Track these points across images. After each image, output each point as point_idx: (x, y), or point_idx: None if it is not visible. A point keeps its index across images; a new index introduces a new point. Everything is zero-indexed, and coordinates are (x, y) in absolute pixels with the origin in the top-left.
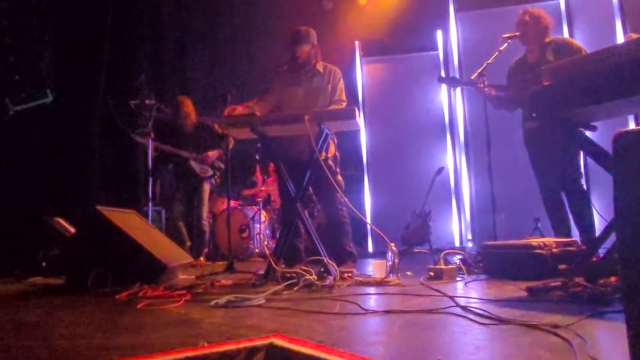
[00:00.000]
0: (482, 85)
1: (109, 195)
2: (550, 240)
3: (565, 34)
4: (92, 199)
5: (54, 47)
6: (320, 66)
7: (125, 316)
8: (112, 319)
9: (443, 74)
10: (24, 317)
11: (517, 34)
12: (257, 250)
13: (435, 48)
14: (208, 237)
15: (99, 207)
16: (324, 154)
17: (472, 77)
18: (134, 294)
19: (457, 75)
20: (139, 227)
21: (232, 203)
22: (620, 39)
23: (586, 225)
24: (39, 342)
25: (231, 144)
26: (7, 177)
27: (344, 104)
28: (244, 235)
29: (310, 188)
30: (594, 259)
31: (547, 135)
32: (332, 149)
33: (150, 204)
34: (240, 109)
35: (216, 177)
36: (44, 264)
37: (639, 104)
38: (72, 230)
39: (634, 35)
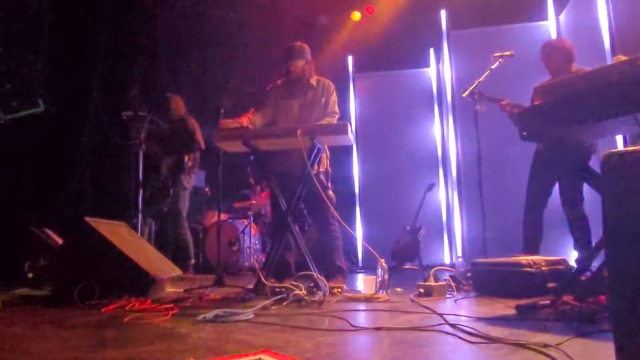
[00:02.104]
0: (504, 103)
1: (98, 206)
2: (539, 258)
3: None
4: (81, 210)
5: (47, 57)
6: (314, 80)
7: (111, 330)
8: (99, 332)
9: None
10: (7, 329)
11: (511, 53)
12: (246, 264)
13: (427, 65)
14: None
15: (87, 219)
16: (315, 167)
17: (464, 95)
18: (121, 307)
19: (450, 93)
20: (127, 239)
21: (223, 216)
22: (608, 60)
23: (582, 247)
24: (23, 356)
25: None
26: None
27: (337, 116)
28: (234, 248)
29: (301, 202)
30: (583, 278)
31: (552, 161)
32: (325, 163)
33: (140, 216)
34: (236, 122)
35: (207, 189)
36: (30, 275)
37: (628, 124)
38: (60, 241)
39: (623, 57)
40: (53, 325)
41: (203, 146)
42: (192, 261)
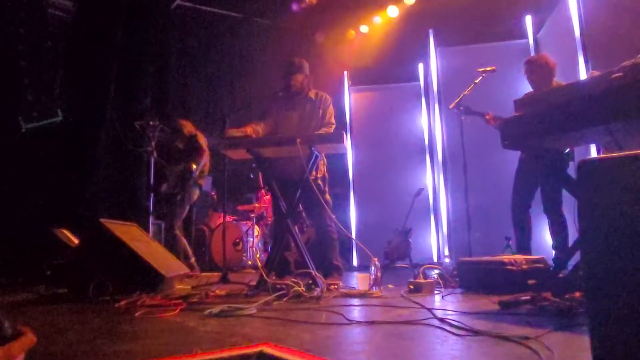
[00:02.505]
0: (489, 117)
1: (112, 208)
2: (520, 257)
3: None
4: (96, 212)
5: (65, 71)
6: (312, 93)
7: (123, 324)
8: (111, 326)
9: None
10: (26, 323)
11: (493, 68)
12: (249, 262)
13: (416, 79)
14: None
15: (102, 220)
16: (314, 173)
17: (450, 107)
18: (133, 303)
19: (437, 104)
20: (139, 239)
21: (228, 218)
22: (583, 74)
23: (560, 247)
24: (39, 347)
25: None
26: (17, 190)
27: (333, 126)
28: (238, 248)
29: (300, 205)
30: (561, 276)
31: (534, 168)
32: (323, 169)
33: (151, 217)
34: (240, 130)
35: (213, 193)
36: (48, 273)
37: (600, 133)
38: (76, 241)
39: (596, 73)
40: (68, 319)
41: (202, 159)
42: (193, 259)
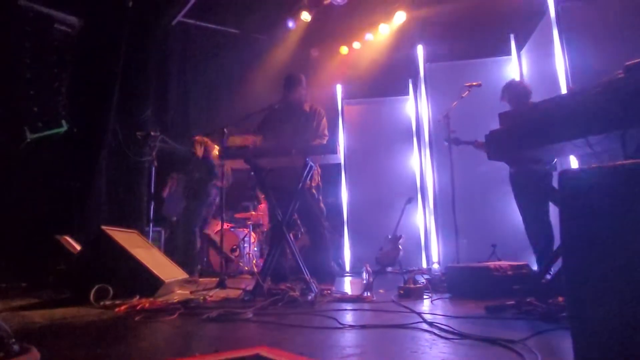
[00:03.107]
0: (477, 144)
1: (114, 215)
2: (505, 263)
3: None
4: (99, 219)
5: (70, 83)
6: (307, 106)
7: (123, 327)
8: (112, 329)
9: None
10: (29, 326)
11: (479, 83)
12: (246, 268)
13: (406, 93)
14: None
15: (103, 227)
16: (308, 182)
17: (438, 120)
18: (133, 307)
19: (428, 117)
20: (140, 245)
21: (225, 225)
22: (563, 89)
23: (545, 255)
24: (41, 349)
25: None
26: (22, 197)
27: (326, 138)
28: (235, 254)
29: (295, 213)
30: (544, 281)
31: (523, 179)
32: (317, 179)
33: (151, 224)
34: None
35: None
36: (51, 278)
37: (580, 146)
38: (78, 248)
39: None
40: (70, 324)
41: (216, 182)
42: (199, 267)
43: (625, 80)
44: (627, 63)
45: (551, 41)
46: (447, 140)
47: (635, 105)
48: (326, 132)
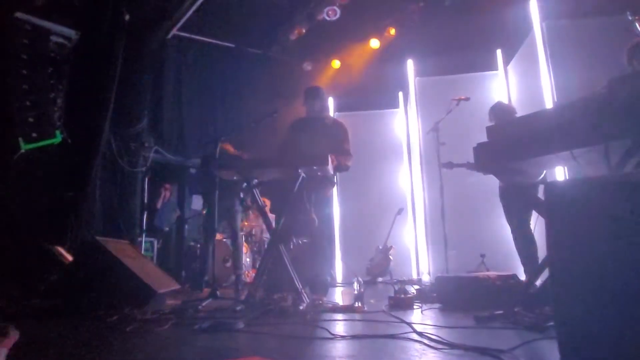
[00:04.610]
0: (468, 165)
1: (107, 226)
2: (493, 274)
3: (505, 98)
4: (91, 229)
5: (65, 94)
6: (329, 120)
7: (114, 338)
8: (103, 340)
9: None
10: (20, 336)
11: (467, 97)
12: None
13: (397, 106)
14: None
15: (97, 238)
16: (313, 195)
17: (427, 132)
18: (124, 317)
19: (418, 129)
20: (132, 255)
21: (218, 236)
22: (549, 103)
23: (530, 265)
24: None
25: None
26: (15, 207)
27: (351, 157)
28: (227, 265)
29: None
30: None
31: (512, 193)
32: (330, 191)
33: (144, 235)
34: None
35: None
36: (43, 288)
37: (565, 159)
38: (70, 258)
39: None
40: (60, 334)
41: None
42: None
43: (608, 95)
44: (611, 77)
45: (536, 57)
46: (441, 166)
47: (616, 118)
48: (350, 150)
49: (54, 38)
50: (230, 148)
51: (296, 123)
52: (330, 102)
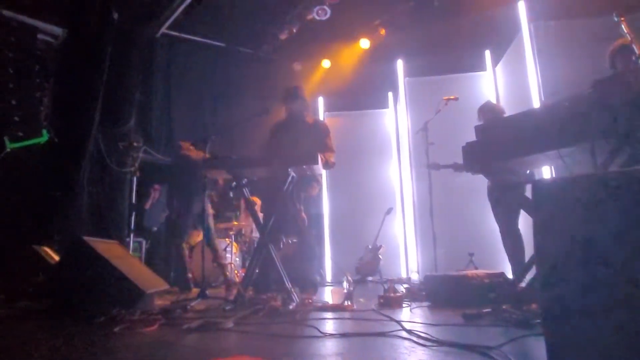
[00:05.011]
0: (455, 165)
1: (95, 226)
2: (482, 272)
3: (493, 98)
4: (79, 230)
5: (52, 92)
6: (310, 119)
7: (103, 338)
8: (91, 341)
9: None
10: (7, 338)
11: (456, 97)
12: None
13: (386, 106)
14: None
15: (84, 238)
16: (302, 194)
17: (417, 132)
18: (113, 318)
19: (408, 129)
20: (120, 256)
21: None
22: (536, 103)
23: (518, 264)
24: None
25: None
26: (1, 207)
27: (333, 154)
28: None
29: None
30: (519, 289)
31: (500, 192)
32: (316, 190)
33: (132, 235)
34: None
35: None
36: (30, 289)
37: (552, 158)
38: (57, 259)
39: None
40: (49, 335)
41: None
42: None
43: (594, 95)
44: (596, 79)
45: (524, 57)
46: (427, 167)
47: (601, 118)
48: (334, 147)
49: (41, 36)
50: (191, 148)
51: (277, 125)
52: (320, 102)
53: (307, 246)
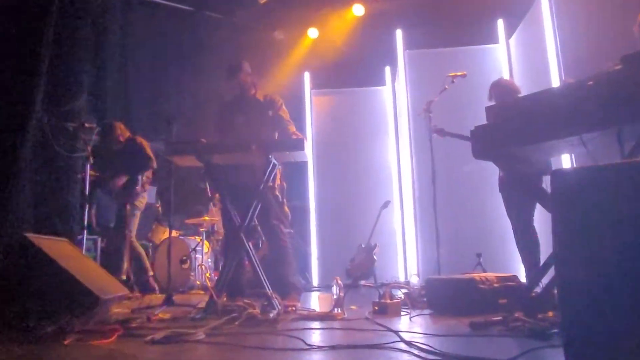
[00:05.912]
0: (461, 135)
1: (40, 222)
2: (491, 275)
3: (506, 75)
4: (21, 226)
5: None
6: (260, 95)
7: (50, 352)
8: (35, 355)
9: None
10: None
11: (464, 73)
12: (198, 282)
13: (383, 83)
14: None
15: (27, 235)
16: (270, 183)
17: (419, 114)
18: (62, 328)
19: (408, 110)
20: (71, 256)
21: (174, 232)
22: (556, 82)
23: (532, 266)
24: None
25: None
26: None
27: (292, 124)
28: (185, 266)
29: (255, 219)
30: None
31: (513, 184)
32: (278, 178)
33: (84, 232)
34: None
35: (157, 205)
36: None
37: (574, 145)
38: None
39: (570, 80)
40: None
41: (155, 164)
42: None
43: (623, 73)
44: (625, 54)
45: (542, 28)
46: (431, 130)
47: (633, 100)
48: (289, 118)
49: None
50: (124, 129)
51: (226, 106)
52: (306, 77)
53: (278, 246)
